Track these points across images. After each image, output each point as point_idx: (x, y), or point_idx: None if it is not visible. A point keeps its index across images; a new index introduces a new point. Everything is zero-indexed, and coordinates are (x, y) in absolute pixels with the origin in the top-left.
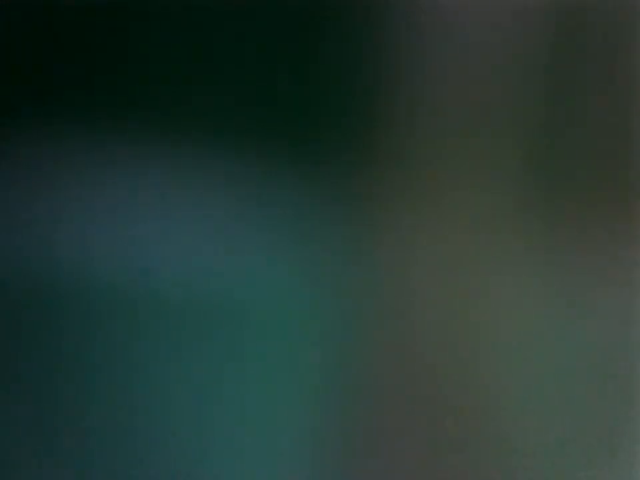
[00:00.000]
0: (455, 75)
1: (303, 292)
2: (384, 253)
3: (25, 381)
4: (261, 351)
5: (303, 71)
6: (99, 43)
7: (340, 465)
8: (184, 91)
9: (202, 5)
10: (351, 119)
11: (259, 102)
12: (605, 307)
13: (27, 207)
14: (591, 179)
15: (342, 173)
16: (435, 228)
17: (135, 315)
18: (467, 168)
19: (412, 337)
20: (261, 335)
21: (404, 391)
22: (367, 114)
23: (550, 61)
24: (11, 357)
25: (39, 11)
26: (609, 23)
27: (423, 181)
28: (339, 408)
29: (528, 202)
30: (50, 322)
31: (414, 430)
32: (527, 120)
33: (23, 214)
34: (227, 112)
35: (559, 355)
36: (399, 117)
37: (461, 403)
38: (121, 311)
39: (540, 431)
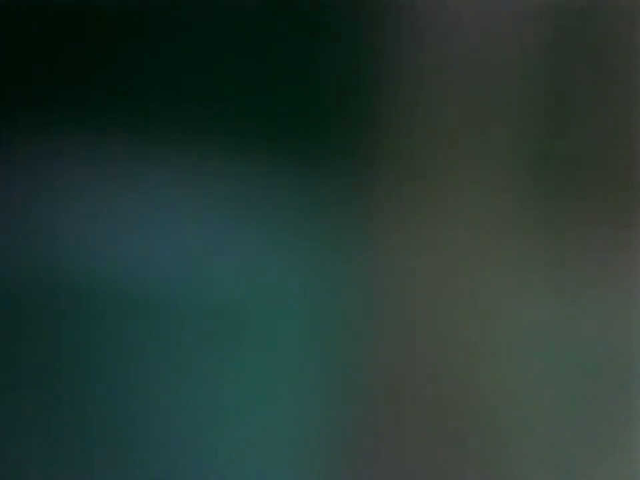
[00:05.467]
0: (455, 76)
1: (303, 292)
2: (384, 253)
3: (26, 380)
4: (261, 350)
5: (304, 71)
6: (98, 43)
7: (340, 465)
8: (184, 91)
9: (203, 5)
10: (352, 120)
11: (260, 102)
12: (606, 307)
13: (26, 207)
14: (591, 179)
15: (342, 173)
16: (436, 228)
17: (135, 315)
18: (467, 168)
19: (413, 336)
20: (261, 335)
21: (404, 390)
22: (367, 114)
23: (550, 61)
24: (11, 357)
25: (39, 11)
26: (609, 23)
27: (423, 180)
28: (340, 408)
29: (529, 202)
30: (50, 322)
31: (414, 429)
32: (527, 121)
33: (23, 214)
34: (227, 112)
35: (560, 354)
36: (399, 117)
37: (461, 402)
38: (121, 311)
39: (540, 430)
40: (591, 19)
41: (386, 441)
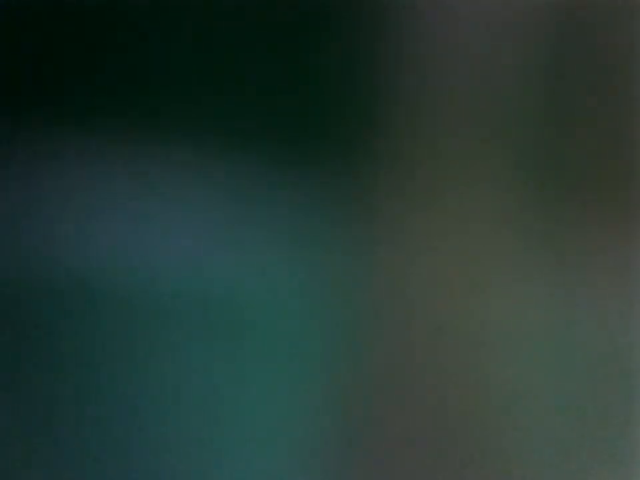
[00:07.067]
0: (455, 75)
1: (303, 292)
2: (384, 253)
3: (25, 381)
4: (261, 350)
5: (304, 71)
6: (99, 43)
7: (341, 466)
8: (184, 91)
9: (203, 5)
10: (351, 119)
11: (259, 102)
12: (605, 306)
13: (27, 208)
14: (591, 179)
15: (342, 173)
16: (436, 227)
17: (135, 315)
18: (467, 168)
19: (412, 336)
20: (261, 335)
21: (405, 390)
22: (367, 114)
23: (550, 60)
24: (10, 357)
25: (39, 11)
26: (609, 23)
27: (423, 180)
28: (340, 408)
29: (528, 202)
30: (50, 322)
31: (415, 430)
32: (527, 120)
33: (23, 215)
34: (227, 112)
35: (559, 354)
36: (399, 117)
37: (461, 401)
38: (121, 311)
39: (540, 431)
40: (590, 19)
41: (386, 441)
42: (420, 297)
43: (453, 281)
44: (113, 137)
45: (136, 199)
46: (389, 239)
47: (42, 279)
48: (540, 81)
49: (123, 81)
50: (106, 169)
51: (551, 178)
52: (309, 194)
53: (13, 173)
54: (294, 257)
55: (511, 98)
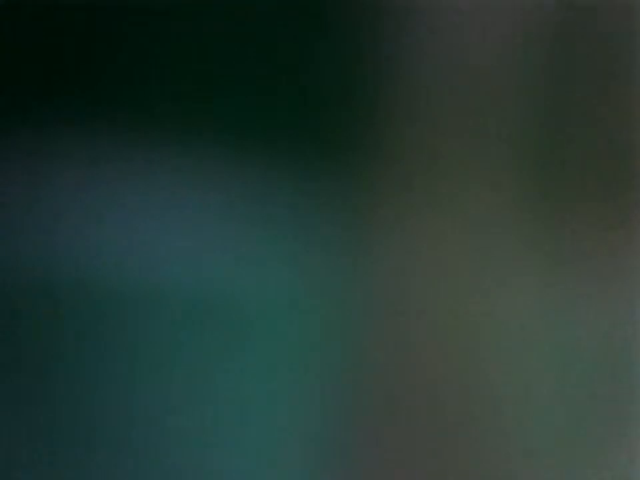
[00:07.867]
0: (455, 75)
1: (303, 292)
2: (384, 252)
3: (25, 381)
4: (260, 350)
5: (303, 70)
6: (99, 43)
7: (340, 467)
8: (184, 90)
9: (203, 5)
10: (351, 119)
11: (260, 101)
12: (605, 307)
13: (26, 208)
14: (591, 179)
15: (342, 173)
16: (435, 228)
17: (135, 315)
18: (467, 168)
19: (412, 337)
20: (261, 335)
21: (404, 391)
22: (367, 113)
23: (550, 60)
24: (10, 358)
25: (38, 10)
26: (609, 23)
27: (423, 180)
28: (339, 409)
29: (528, 202)
30: (50, 322)
31: (414, 430)
32: (527, 120)
33: (22, 214)
34: (227, 111)
35: (559, 356)
36: (399, 116)
37: (461, 403)
38: (121, 311)
39: (540, 431)
40: (591, 19)
41: (386, 441)
42: (420, 298)
43: (452, 281)
44: (112, 137)
45: (135, 199)
46: (389, 239)
47: (42, 279)
48: (540, 81)
49: (122, 81)
50: (105, 170)
51: (551, 178)
52: (308, 194)
53: (12, 173)
54: (293, 257)
55: (511, 98)
